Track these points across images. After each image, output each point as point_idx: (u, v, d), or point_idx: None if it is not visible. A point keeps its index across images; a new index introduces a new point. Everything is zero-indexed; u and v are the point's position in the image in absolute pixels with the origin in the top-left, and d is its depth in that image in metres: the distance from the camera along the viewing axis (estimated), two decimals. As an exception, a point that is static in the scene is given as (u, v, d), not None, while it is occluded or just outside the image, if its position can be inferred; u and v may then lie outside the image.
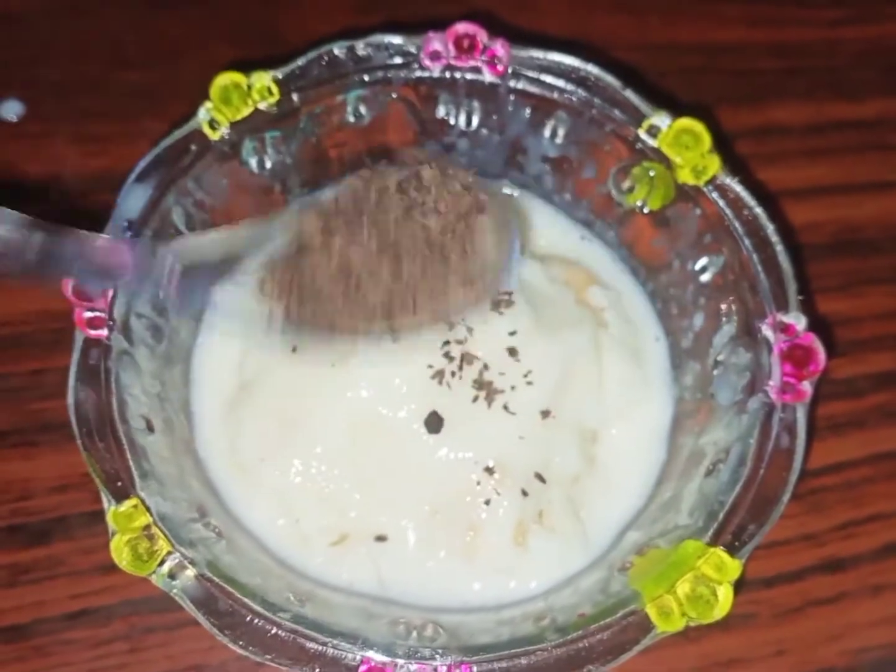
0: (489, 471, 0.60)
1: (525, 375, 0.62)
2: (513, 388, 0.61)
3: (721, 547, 0.53)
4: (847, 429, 0.74)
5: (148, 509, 0.53)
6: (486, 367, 0.61)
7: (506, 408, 0.61)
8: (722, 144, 0.64)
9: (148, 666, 0.64)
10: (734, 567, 0.52)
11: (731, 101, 0.86)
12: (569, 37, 0.83)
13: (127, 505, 0.53)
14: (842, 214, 0.83)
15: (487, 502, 0.60)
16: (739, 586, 0.66)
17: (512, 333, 0.62)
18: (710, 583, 0.52)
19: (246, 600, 0.51)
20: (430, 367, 0.60)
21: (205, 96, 0.63)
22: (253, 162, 0.66)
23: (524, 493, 0.60)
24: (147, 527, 0.52)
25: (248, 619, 0.51)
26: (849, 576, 0.69)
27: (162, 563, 0.52)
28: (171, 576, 0.52)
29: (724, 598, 0.51)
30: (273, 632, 0.51)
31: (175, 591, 0.52)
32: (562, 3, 0.91)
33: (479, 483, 0.60)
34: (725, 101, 0.85)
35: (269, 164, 0.66)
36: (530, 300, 0.64)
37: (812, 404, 0.57)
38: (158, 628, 0.65)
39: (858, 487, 0.72)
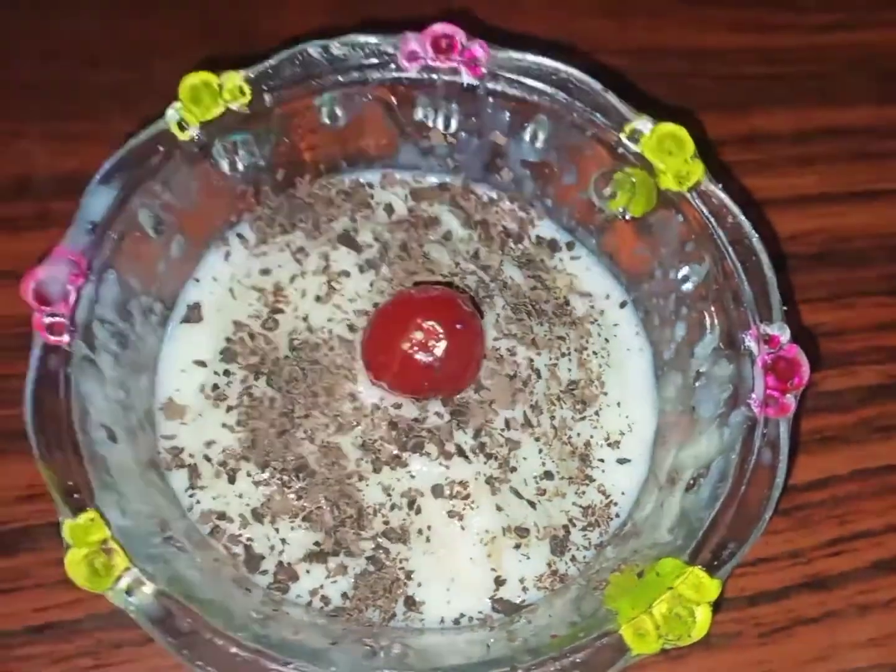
0: (463, 485, 0.59)
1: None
2: (492, 401, 0.61)
3: (700, 566, 0.51)
4: (834, 443, 0.73)
5: (107, 523, 0.51)
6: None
7: (485, 419, 0.60)
8: (706, 151, 0.63)
9: (113, 682, 0.62)
10: (713, 587, 0.51)
11: (717, 107, 0.85)
12: (551, 39, 0.83)
13: (84, 518, 0.51)
14: (830, 224, 0.82)
15: (461, 518, 0.58)
16: (723, 604, 0.66)
17: (496, 339, 0.62)
18: (687, 603, 0.50)
19: (206, 618, 0.49)
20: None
21: (177, 97, 0.61)
22: (224, 164, 0.64)
23: (498, 509, 0.59)
24: (104, 541, 0.50)
25: (209, 637, 0.49)
26: (835, 595, 0.68)
27: (119, 578, 0.50)
28: (129, 592, 0.50)
29: (702, 620, 0.50)
30: (233, 651, 0.49)
31: (132, 608, 0.50)
32: (544, 5, 0.91)
33: (452, 498, 0.59)
34: (711, 107, 0.85)
35: (241, 167, 0.65)
36: (512, 307, 0.64)
37: (798, 417, 0.56)
38: (126, 644, 0.63)
39: (845, 504, 0.71)
